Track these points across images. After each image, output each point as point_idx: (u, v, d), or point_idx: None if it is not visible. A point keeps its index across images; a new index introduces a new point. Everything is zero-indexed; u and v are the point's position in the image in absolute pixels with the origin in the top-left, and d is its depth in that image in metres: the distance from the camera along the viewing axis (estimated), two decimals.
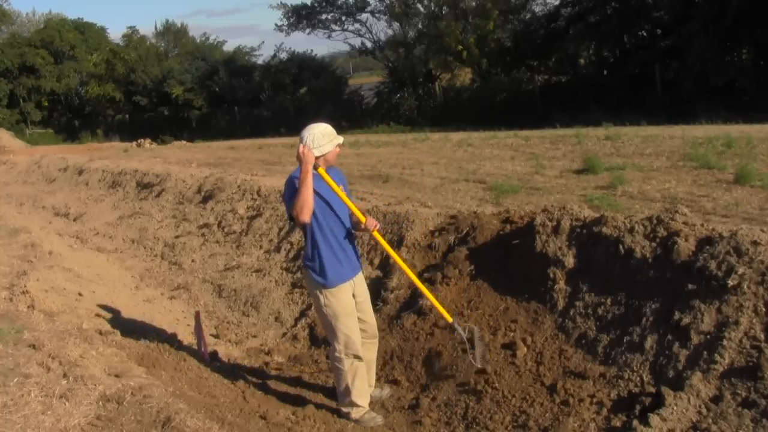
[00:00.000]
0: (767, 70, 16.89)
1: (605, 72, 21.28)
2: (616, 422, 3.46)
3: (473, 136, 14.12)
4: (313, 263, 3.84)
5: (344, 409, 4.06)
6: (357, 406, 4.00)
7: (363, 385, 4.01)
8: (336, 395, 4.19)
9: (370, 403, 4.14)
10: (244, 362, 5.08)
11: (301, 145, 3.65)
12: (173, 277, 7.41)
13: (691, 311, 3.65)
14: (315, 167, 3.69)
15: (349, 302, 3.92)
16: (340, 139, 3.81)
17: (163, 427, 3.03)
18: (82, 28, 39.44)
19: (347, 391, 3.99)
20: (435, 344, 4.60)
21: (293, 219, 3.77)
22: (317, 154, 3.70)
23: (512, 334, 4.33)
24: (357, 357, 3.94)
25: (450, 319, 4.26)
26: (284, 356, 5.15)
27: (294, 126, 24.77)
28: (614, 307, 4.07)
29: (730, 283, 3.60)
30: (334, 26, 30.39)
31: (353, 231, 4.01)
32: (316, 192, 3.70)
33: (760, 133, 10.11)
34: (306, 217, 3.66)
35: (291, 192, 3.73)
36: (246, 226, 7.83)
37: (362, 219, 3.89)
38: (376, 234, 4.00)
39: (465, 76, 26.17)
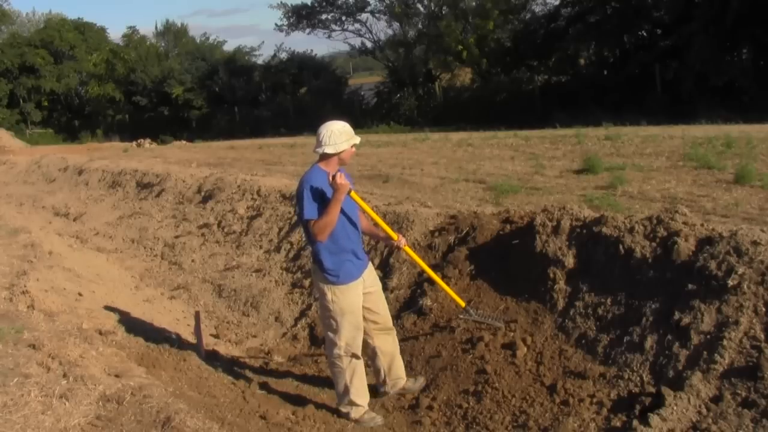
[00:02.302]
0: (767, 70, 16.88)
1: (605, 72, 21.28)
2: (616, 422, 3.46)
3: (473, 136, 14.11)
4: (324, 262, 3.82)
5: (344, 409, 4.05)
6: (356, 405, 4.00)
7: (361, 384, 4.00)
8: (331, 396, 4.20)
9: (385, 400, 4.15)
10: (244, 362, 5.08)
11: (340, 175, 3.61)
12: (173, 277, 7.42)
13: (691, 311, 3.65)
14: (348, 192, 3.68)
15: (357, 300, 3.90)
16: (357, 140, 3.79)
17: (163, 427, 3.03)
18: (82, 28, 39.40)
19: (346, 391, 3.98)
20: (435, 344, 4.60)
21: (304, 226, 3.78)
22: (331, 151, 3.70)
23: (512, 334, 4.33)
24: (356, 356, 3.93)
25: (463, 304, 4.41)
26: (284, 356, 5.15)
27: (294, 126, 24.80)
28: (614, 307, 4.07)
29: (730, 283, 3.60)
30: (334, 26, 30.46)
31: (363, 232, 4.05)
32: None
33: (760, 133, 10.11)
34: (323, 238, 3.69)
35: (307, 200, 3.68)
36: (246, 226, 7.84)
37: (394, 237, 4.04)
38: (407, 249, 4.15)
39: (465, 76, 26.19)
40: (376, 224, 4.14)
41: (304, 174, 3.82)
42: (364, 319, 4.00)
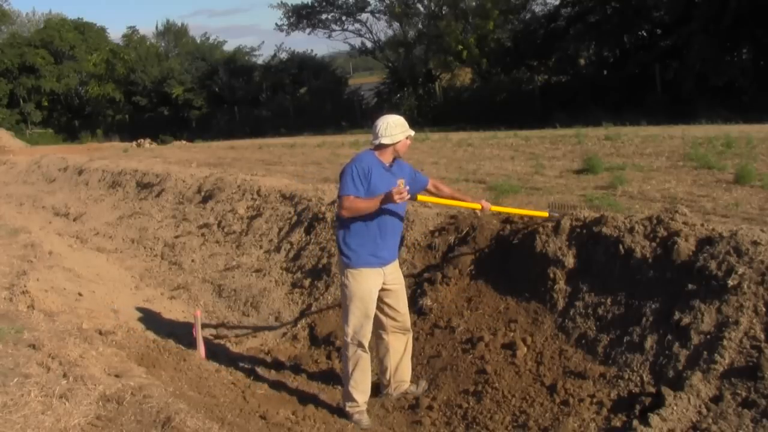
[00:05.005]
0: (767, 70, 16.87)
1: (605, 72, 21.25)
2: (616, 422, 3.46)
3: (473, 136, 14.10)
4: (344, 243, 3.91)
5: (343, 401, 4.07)
6: (352, 399, 3.99)
7: (362, 379, 3.98)
8: (331, 396, 4.22)
9: (398, 399, 4.18)
10: (244, 362, 5.08)
11: (401, 190, 3.62)
12: (173, 277, 7.42)
13: (691, 311, 3.65)
14: (413, 198, 3.84)
15: (369, 288, 3.90)
16: (411, 132, 3.94)
17: (163, 427, 3.03)
18: (81, 28, 39.43)
19: (346, 379, 4.00)
20: (435, 344, 4.60)
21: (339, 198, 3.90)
22: (387, 142, 3.84)
23: (512, 334, 4.33)
24: (362, 347, 3.93)
25: (546, 214, 4.80)
26: (284, 356, 5.15)
27: (294, 126, 24.79)
28: (614, 307, 4.07)
29: (730, 283, 3.59)
30: (334, 26, 30.46)
31: (402, 227, 4.18)
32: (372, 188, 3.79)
33: (760, 133, 10.10)
34: (346, 215, 3.80)
35: (349, 177, 3.76)
36: (246, 226, 7.84)
37: (478, 207, 4.26)
38: (493, 208, 4.37)
39: (465, 76, 26.15)
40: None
41: (357, 154, 3.96)
42: (385, 315, 4.04)
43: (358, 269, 3.87)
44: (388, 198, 3.64)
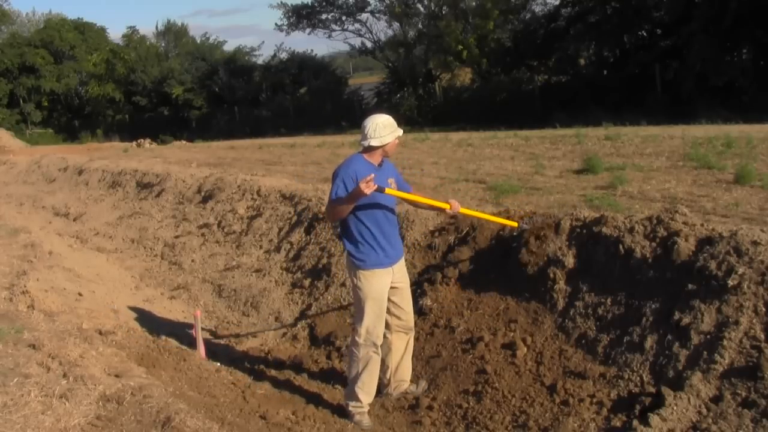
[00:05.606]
0: (767, 70, 16.87)
1: (605, 72, 21.25)
2: (616, 422, 3.46)
3: (473, 136, 14.10)
4: (352, 246, 3.89)
5: (345, 400, 4.06)
6: (356, 399, 3.98)
7: (370, 380, 3.97)
8: (331, 396, 4.21)
9: (399, 399, 4.18)
10: (244, 362, 5.08)
11: (367, 183, 3.49)
12: (173, 277, 7.42)
13: (691, 311, 3.65)
14: (381, 190, 3.67)
15: (381, 288, 3.91)
16: (400, 132, 3.92)
17: (163, 427, 3.03)
18: (81, 28, 39.45)
19: (354, 380, 3.98)
20: (435, 344, 4.60)
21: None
22: (377, 144, 3.80)
23: (512, 334, 4.33)
24: (375, 348, 3.92)
25: (516, 224, 4.75)
26: (284, 356, 5.15)
27: (294, 126, 24.79)
28: (614, 307, 4.07)
29: (730, 283, 3.60)
30: (334, 26, 30.48)
31: (397, 221, 4.13)
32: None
33: (760, 133, 10.10)
34: (330, 219, 3.94)
35: (339, 183, 3.75)
36: (246, 226, 7.84)
37: (446, 207, 4.10)
38: (463, 211, 4.24)
39: (465, 76, 26.15)
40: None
41: (346, 159, 3.93)
42: (389, 313, 4.03)
43: (371, 270, 3.87)
44: (358, 191, 3.54)
